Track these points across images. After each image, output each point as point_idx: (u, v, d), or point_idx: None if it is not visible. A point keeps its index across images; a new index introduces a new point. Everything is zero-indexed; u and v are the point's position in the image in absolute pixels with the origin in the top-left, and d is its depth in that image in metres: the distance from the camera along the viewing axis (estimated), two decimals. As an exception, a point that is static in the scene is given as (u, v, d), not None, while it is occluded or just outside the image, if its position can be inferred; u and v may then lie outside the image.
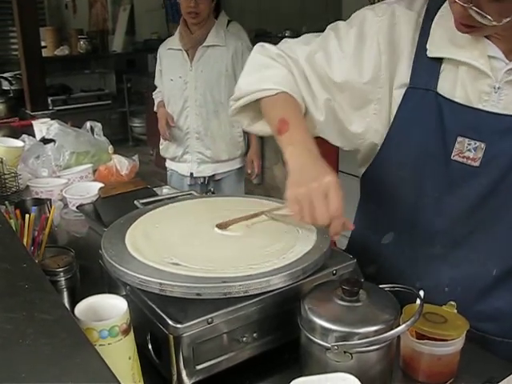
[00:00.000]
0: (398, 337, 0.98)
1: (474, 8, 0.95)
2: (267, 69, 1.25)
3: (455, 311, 1.04)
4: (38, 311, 0.70)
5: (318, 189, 1.01)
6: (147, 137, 7.10)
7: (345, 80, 1.21)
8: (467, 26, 1.01)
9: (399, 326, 0.91)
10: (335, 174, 1.05)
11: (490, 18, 0.95)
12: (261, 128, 1.32)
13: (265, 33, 5.39)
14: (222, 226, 1.17)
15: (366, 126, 1.24)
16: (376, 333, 0.88)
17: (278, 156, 5.37)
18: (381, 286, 1.03)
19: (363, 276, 1.22)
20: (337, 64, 1.21)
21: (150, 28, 7.85)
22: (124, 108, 7.55)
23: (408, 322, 0.91)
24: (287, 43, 1.31)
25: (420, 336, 0.99)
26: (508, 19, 0.94)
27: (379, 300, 0.95)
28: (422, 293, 1.00)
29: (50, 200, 1.69)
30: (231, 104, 1.32)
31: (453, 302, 1.05)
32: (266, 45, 1.31)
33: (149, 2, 7.65)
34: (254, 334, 1.00)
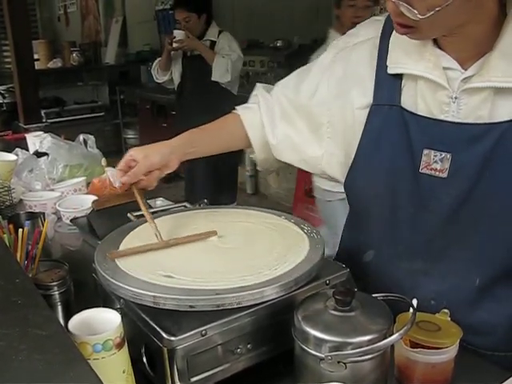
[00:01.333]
0: (392, 345, 0.98)
1: (401, 2, 0.97)
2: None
3: (448, 319, 1.05)
4: (31, 327, 0.70)
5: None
6: (141, 148, 7.08)
7: (302, 102, 1.34)
8: (404, 25, 1.02)
9: (393, 334, 0.91)
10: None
11: (415, 11, 0.96)
12: None
13: (257, 43, 5.40)
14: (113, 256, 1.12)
15: (324, 149, 1.31)
16: (369, 342, 0.88)
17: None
18: (374, 295, 1.04)
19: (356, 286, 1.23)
20: (302, 87, 1.35)
21: (142, 40, 7.88)
22: (117, 120, 7.56)
23: (401, 331, 0.91)
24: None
25: (414, 344, 1.00)
26: (432, 12, 0.95)
27: (372, 309, 0.96)
28: (415, 301, 1.00)
29: (44, 214, 1.69)
30: None
31: (446, 310, 1.06)
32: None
33: (141, 13, 7.68)
34: (248, 345, 1.00)
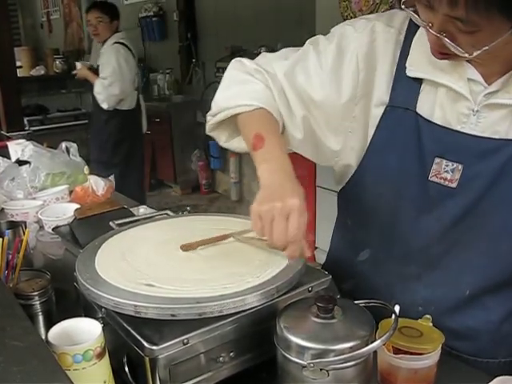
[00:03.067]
0: (375, 352, 0.98)
1: (446, 40, 0.95)
2: (245, 84, 1.24)
3: (430, 324, 1.05)
4: (9, 338, 0.70)
5: (280, 209, 1.00)
6: (125, 155, 7.06)
7: (323, 97, 1.20)
8: (442, 53, 1.01)
9: (375, 341, 0.91)
10: (303, 197, 1.04)
11: (461, 49, 0.95)
12: (237, 145, 1.32)
13: (240, 49, 5.41)
14: (186, 248, 1.16)
15: (343, 143, 1.24)
16: (351, 349, 0.88)
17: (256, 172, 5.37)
18: (356, 301, 1.04)
19: (340, 292, 1.23)
20: (315, 80, 1.21)
21: (125, 47, 7.84)
22: (101, 127, 7.51)
23: (383, 338, 0.91)
24: (265, 58, 1.30)
25: (397, 350, 1.00)
26: (479, 52, 0.95)
27: (354, 316, 0.96)
28: (397, 308, 1.01)
29: (25, 222, 1.67)
30: (208, 119, 1.30)
31: (428, 316, 1.06)
32: (244, 60, 1.30)
33: (124, 20, 7.63)
34: (231, 354, 1.00)
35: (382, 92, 1.17)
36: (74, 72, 4.44)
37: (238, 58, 1.32)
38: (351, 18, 3.55)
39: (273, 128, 1.19)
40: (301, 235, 1.01)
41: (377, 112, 1.18)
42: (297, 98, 1.23)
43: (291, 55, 1.26)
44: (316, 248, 4.06)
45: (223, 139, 1.34)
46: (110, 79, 4.22)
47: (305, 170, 3.78)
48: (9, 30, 4.48)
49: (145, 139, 6.04)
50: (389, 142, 1.16)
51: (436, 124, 1.11)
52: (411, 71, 1.12)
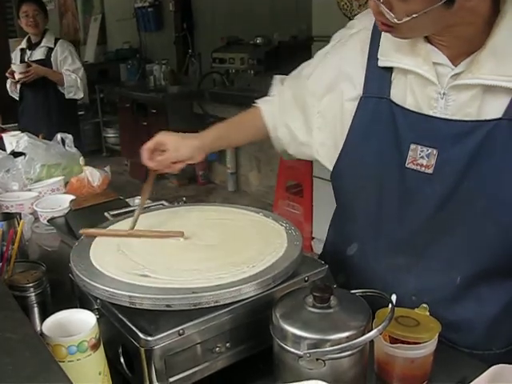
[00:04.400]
0: (372, 341, 0.98)
1: (382, 5, 0.98)
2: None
3: (427, 313, 1.05)
4: (2, 330, 0.69)
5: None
6: (121, 147, 7.05)
7: (298, 91, 1.36)
8: (385, 24, 1.02)
9: (371, 331, 0.91)
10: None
11: (392, 14, 0.97)
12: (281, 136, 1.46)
13: (237, 40, 5.38)
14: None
15: (314, 139, 1.32)
16: (348, 339, 0.88)
17: (253, 163, 5.38)
18: (352, 291, 1.03)
19: (335, 283, 1.23)
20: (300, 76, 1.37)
21: (121, 37, 7.82)
22: (97, 118, 7.50)
23: (379, 327, 0.91)
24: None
25: (393, 340, 1.00)
26: (408, 18, 0.96)
27: (351, 306, 0.95)
28: (394, 297, 1.00)
29: (20, 214, 1.66)
30: None
31: (425, 305, 1.06)
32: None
33: (120, 11, 7.62)
34: (227, 344, 0.99)
35: (354, 87, 1.20)
36: (20, 72, 4.17)
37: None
38: (347, 7, 3.54)
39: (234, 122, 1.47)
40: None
41: (350, 107, 1.20)
42: (286, 102, 1.41)
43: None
44: (313, 238, 4.07)
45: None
46: (81, 71, 4.32)
47: (302, 160, 3.78)
48: (3, 22, 4.48)
49: (141, 130, 6.05)
50: (366, 134, 1.18)
51: (409, 110, 1.11)
52: (382, 61, 1.15)
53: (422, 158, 1.10)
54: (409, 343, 0.98)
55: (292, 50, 4.60)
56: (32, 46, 4.41)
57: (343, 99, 1.22)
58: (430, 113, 1.09)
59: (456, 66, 1.06)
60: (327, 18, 3.66)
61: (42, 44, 4.35)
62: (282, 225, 1.22)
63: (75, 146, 2.46)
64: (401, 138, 1.12)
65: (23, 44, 4.47)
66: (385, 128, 1.14)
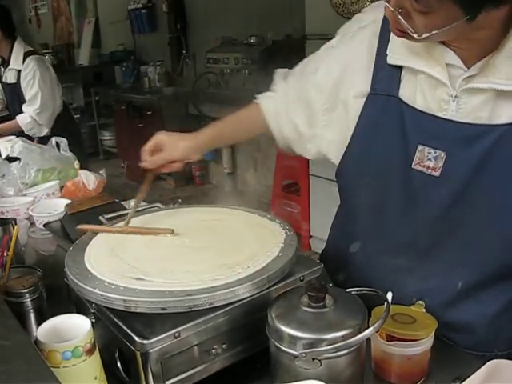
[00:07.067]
0: (369, 340, 0.98)
1: (399, 17, 0.95)
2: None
3: (423, 310, 1.05)
4: (-5, 337, 0.69)
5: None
6: (117, 149, 7.05)
7: (303, 87, 1.31)
8: (400, 30, 0.99)
9: (367, 329, 0.91)
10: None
11: (411, 29, 0.95)
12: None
13: (230, 39, 5.38)
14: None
15: (320, 137, 1.29)
16: (343, 338, 0.88)
17: (250, 163, 5.37)
18: (348, 289, 1.03)
19: (334, 283, 1.23)
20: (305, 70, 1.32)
21: (115, 40, 7.81)
22: (93, 121, 7.48)
23: (375, 325, 0.90)
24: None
25: (390, 337, 1.00)
26: (428, 34, 0.94)
27: (346, 305, 0.95)
28: (389, 295, 1.00)
29: (15, 220, 1.66)
30: None
31: (421, 302, 1.06)
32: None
33: (113, 13, 7.61)
34: (224, 346, 0.99)
35: (362, 83, 1.17)
36: None
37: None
38: (340, 6, 3.53)
39: (229, 121, 1.45)
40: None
41: (357, 103, 1.18)
42: (290, 98, 1.38)
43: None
44: (311, 236, 4.07)
45: None
46: (35, 99, 3.69)
47: (298, 158, 3.78)
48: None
49: (137, 132, 6.04)
50: (373, 131, 1.15)
51: (418, 110, 1.09)
52: (391, 58, 1.12)
53: (429, 160, 1.08)
54: (405, 340, 0.98)
55: (286, 49, 4.59)
56: (4, 63, 3.81)
57: (350, 95, 1.19)
58: (440, 115, 1.07)
59: (469, 67, 1.03)
60: (320, 17, 3.66)
61: (11, 66, 3.73)
62: (276, 224, 1.22)
63: (71, 150, 2.44)
64: (408, 138, 1.10)
65: None
66: (392, 126, 1.12)
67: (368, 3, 3.21)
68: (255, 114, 1.43)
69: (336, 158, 1.26)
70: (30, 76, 3.67)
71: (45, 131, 3.73)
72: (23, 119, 3.69)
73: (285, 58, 4.73)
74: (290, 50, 4.35)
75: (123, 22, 7.37)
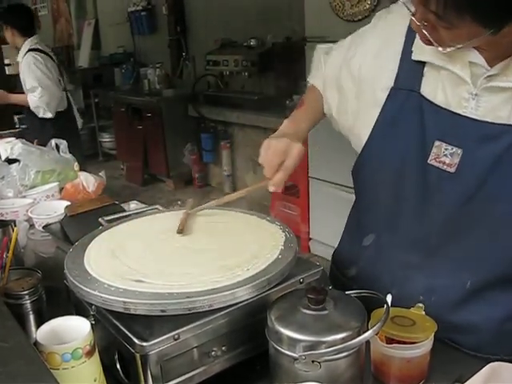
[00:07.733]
0: (368, 342, 0.98)
1: (424, 30, 0.96)
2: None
3: (423, 313, 1.05)
4: (-6, 339, 0.69)
5: (284, 143, 1.18)
6: (117, 151, 7.05)
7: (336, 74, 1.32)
8: (428, 40, 1.00)
9: (367, 331, 0.91)
10: (302, 151, 1.20)
11: (436, 43, 0.97)
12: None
13: (230, 42, 5.39)
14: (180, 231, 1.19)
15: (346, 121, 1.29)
16: (343, 340, 0.88)
17: (249, 165, 5.37)
18: (347, 292, 1.03)
19: (344, 277, 1.22)
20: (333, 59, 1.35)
21: (115, 42, 7.82)
22: (93, 123, 7.48)
23: (374, 328, 0.90)
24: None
25: (390, 340, 1.00)
26: (452, 48, 0.95)
27: (346, 307, 0.95)
28: (389, 297, 1.00)
29: (14, 221, 1.66)
30: None
31: (420, 304, 1.06)
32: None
33: (113, 15, 7.62)
34: (223, 348, 0.99)
35: (388, 76, 1.18)
36: None
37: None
38: (340, 7, 3.53)
39: (313, 101, 1.40)
40: (290, 170, 1.18)
41: (382, 96, 1.18)
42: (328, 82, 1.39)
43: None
44: (310, 239, 4.06)
45: None
46: (36, 89, 4.18)
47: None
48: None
49: (137, 134, 6.04)
50: (392, 125, 1.16)
51: (439, 106, 1.10)
52: (416, 54, 1.13)
53: (445, 156, 1.08)
54: (405, 343, 0.98)
55: (286, 51, 4.61)
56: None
57: (377, 87, 1.20)
58: (460, 112, 1.08)
59: (491, 67, 1.04)
60: (320, 19, 3.66)
61: (18, 59, 4.35)
62: (276, 227, 1.22)
63: (71, 152, 2.45)
64: (426, 133, 1.11)
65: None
66: (411, 121, 1.13)
67: (368, 6, 3.21)
68: (318, 93, 1.41)
69: (358, 147, 1.26)
70: (27, 70, 4.19)
71: (47, 115, 4.23)
72: (31, 96, 4.19)
73: (284, 60, 4.74)
74: (290, 52, 4.36)
75: (123, 24, 7.38)
